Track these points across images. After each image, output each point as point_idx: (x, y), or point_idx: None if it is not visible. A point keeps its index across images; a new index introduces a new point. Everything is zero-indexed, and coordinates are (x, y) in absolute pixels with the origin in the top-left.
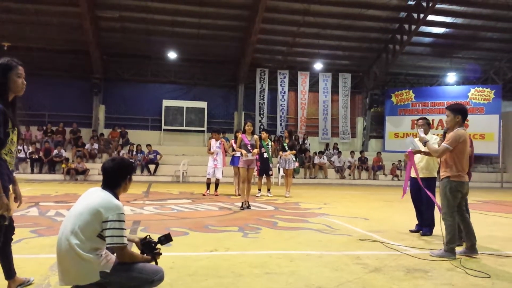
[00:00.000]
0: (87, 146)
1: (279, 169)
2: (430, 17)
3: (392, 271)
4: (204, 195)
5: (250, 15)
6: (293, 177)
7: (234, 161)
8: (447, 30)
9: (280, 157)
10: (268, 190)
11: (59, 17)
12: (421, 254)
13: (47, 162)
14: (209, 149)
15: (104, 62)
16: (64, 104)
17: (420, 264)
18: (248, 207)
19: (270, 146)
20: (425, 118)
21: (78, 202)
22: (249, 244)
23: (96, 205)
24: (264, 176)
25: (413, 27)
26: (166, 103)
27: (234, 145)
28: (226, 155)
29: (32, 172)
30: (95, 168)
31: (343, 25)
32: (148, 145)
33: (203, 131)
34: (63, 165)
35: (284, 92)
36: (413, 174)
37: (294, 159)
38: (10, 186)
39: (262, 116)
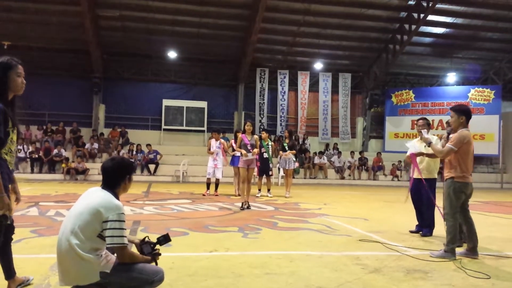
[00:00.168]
0: (87, 145)
1: (279, 169)
2: (430, 17)
3: (392, 272)
4: (204, 195)
5: (250, 14)
6: (293, 177)
7: (234, 161)
8: (447, 30)
9: (280, 157)
10: (268, 190)
11: (59, 16)
12: (421, 255)
13: (47, 162)
14: (209, 149)
15: (104, 61)
16: (64, 103)
17: (420, 265)
18: (248, 207)
19: (270, 146)
20: (425, 119)
21: (78, 202)
22: (249, 244)
23: (96, 205)
24: (264, 176)
25: (413, 27)
26: (166, 102)
27: (234, 145)
28: (226, 155)
29: (32, 171)
30: (95, 168)
31: (344, 24)
32: (148, 145)
33: (203, 131)
34: (63, 165)
35: (284, 92)
36: (415, 175)
37: (294, 159)
38: (10, 186)
39: (262, 116)
